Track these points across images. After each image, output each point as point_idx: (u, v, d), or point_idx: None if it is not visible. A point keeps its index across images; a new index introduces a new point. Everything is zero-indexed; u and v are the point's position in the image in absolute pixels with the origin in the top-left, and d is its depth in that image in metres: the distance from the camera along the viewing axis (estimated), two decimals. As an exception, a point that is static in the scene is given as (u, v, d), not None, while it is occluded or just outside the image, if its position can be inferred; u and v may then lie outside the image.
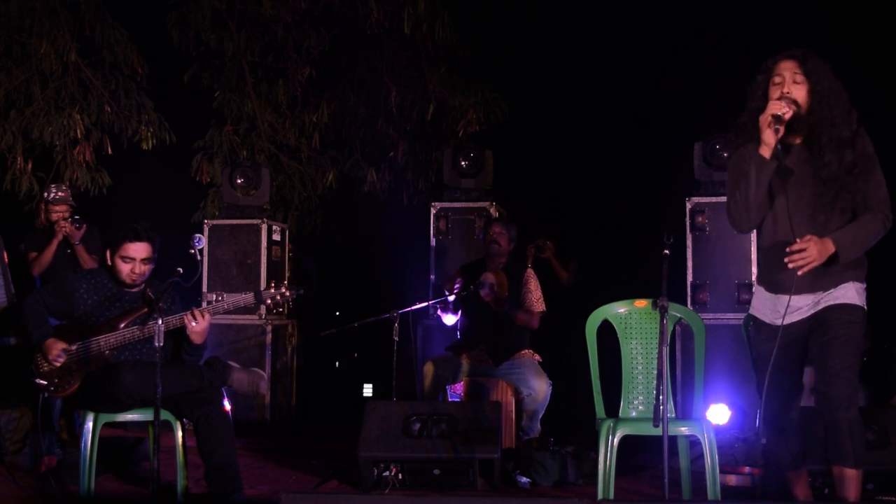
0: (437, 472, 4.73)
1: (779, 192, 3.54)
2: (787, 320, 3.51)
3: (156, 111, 8.89)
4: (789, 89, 3.48)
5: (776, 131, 3.42)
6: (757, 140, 3.47)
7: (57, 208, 6.37)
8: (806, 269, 3.40)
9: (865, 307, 3.54)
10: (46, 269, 6.27)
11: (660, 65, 8.48)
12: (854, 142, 3.46)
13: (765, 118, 3.43)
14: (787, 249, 3.43)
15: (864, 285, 3.56)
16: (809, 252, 3.39)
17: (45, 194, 6.51)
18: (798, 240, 3.42)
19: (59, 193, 6.44)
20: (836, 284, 3.50)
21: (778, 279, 3.57)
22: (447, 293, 5.87)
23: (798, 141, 3.56)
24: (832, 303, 3.49)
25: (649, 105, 8.45)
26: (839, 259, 3.43)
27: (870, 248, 3.53)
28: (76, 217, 6.26)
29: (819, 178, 3.48)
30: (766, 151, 3.44)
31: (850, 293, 3.50)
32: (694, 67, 7.76)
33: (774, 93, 3.50)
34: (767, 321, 3.64)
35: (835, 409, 3.39)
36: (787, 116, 3.43)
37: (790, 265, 3.41)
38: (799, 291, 3.51)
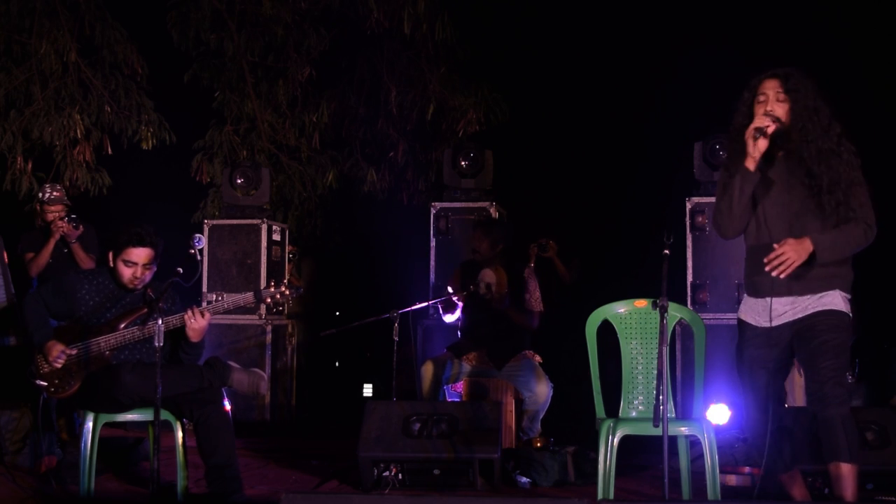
0: (437, 472, 4.73)
1: (761, 201, 3.69)
2: (776, 323, 3.64)
3: (156, 111, 8.88)
4: (772, 107, 3.64)
5: (759, 143, 3.57)
6: (743, 153, 3.63)
7: (52, 208, 6.35)
8: (787, 271, 3.52)
9: (851, 315, 3.64)
10: (44, 268, 6.26)
11: (660, 65, 8.47)
12: (830, 158, 3.58)
13: (749, 132, 3.59)
14: (766, 259, 3.54)
15: (850, 296, 3.67)
16: (787, 253, 3.50)
17: (40, 195, 6.49)
18: (776, 245, 3.53)
19: (54, 193, 6.42)
20: (821, 290, 3.60)
21: (757, 282, 3.70)
22: (451, 293, 5.86)
23: (780, 154, 3.70)
24: (820, 308, 3.59)
25: (649, 105, 8.45)
26: (816, 259, 3.53)
27: (848, 255, 3.63)
28: (73, 216, 6.25)
29: (801, 188, 3.61)
30: (750, 163, 3.60)
31: (837, 300, 3.60)
32: (694, 67, 7.76)
33: (759, 110, 3.66)
34: (753, 323, 3.74)
35: (827, 405, 3.46)
36: (770, 130, 3.59)
37: (772, 273, 3.53)
38: (779, 293, 3.62)
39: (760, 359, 3.70)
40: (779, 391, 3.76)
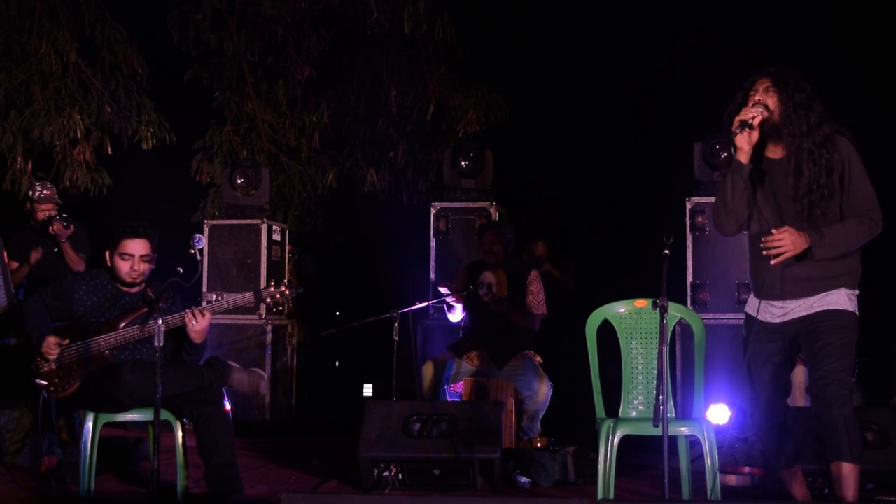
0: (437, 472, 4.73)
1: (760, 199, 3.69)
2: (781, 320, 3.65)
3: (156, 111, 8.88)
4: (761, 97, 3.64)
5: (746, 135, 3.57)
6: (734, 150, 3.63)
7: (43, 206, 6.26)
8: (780, 258, 3.53)
9: (857, 312, 3.62)
10: (32, 269, 6.18)
11: (660, 65, 8.48)
12: (831, 149, 3.57)
13: (735, 124, 3.60)
14: (763, 239, 3.56)
15: (856, 292, 3.65)
16: (783, 240, 3.51)
17: (31, 193, 6.40)
18: (774, 231, 3.54)
19: (45, 192, 6.34)
20: (827, 289, 3.59)
21: (759, 279, 3.71)
22: (445, 294, 5.86)
23: (780, 153, 3.69)
24: (825, 308, 3.58)
25: (649, 105, 8.45)
26: (813, 254, 3.53)
27: (851, 250, 3.61)
28: (64, 216, 6.16)
29: (797, 185, 3.59)
30: (739, 155, 3.60)
31: (842, 299, 3.59)
32: (694, 67, 7.77)
33: (748, 104, 3.67)
34: (758, 318, 3.74)
35: (830, 405, 3.45)
36: (756, 121, 3.58)
37: (764, 252, 3.55)
38: (785, 297, 3.63)
39: (766, 353, 3.69)
40: (785, 386, 3.75)
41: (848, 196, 3.57)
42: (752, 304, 3.79)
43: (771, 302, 3.67)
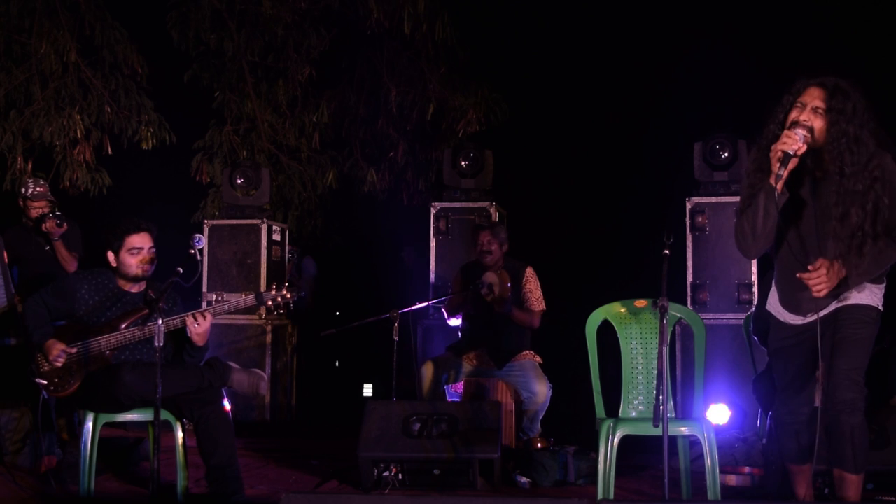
0: (437, 472, 4.73)
1: (789, 220, 3.50)
2: (807, 320, 3.54)
3: (156, 111, 8.88)
4: (807, 117, 3.38)
5: (785, 166, 3.33)
6: (769, 167, 3.39)
7: (36, 204, 6.14)
8: (823, 293, 3.39)
9: (881, 307, 3.52)
10: (25, 266, 6.11)
11: (660, 65, 8.48)
12: (867, 195, 3.35)
13: (775, 151, 3.36)
14: (799, 276, 3.41)
15: (882, 285, 3.54)
16: (821, 277, 3.37)
17: (23, 190, 6.26)
18: (810, 267, 3.40)
19: (38, 189, 6.20)
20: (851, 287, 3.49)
21: (793, 300, 3.57)
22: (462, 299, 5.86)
23: (820, 175, 3.48)
24: (846, 303, 3.50)
25: (649, 105, 8.46)
26: (849, 283, 3.42)
27: (882, 273, 3.50)
28: (57, 213, 6.05)
29: (842, 226, 3.41)
30: (775, 181, 3.36)
31: (865, 293, 3.49)
32: (693, 67, 7.77)
33: (792, 116, 3.41)
34: (783, 319, 3.65)
35: (838, 412, 3.40)
36: (800, 153, 3.35)
37: (811, 289, 3.39)
38: (820, 308, 3.49)
39: (789, 350, 3.61)
40: (807, 382, 3.65)
41: (885, 214, 3.38)
42: (773, 303, 3.69)
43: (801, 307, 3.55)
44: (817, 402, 3.69)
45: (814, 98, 3.40)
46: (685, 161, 6.69)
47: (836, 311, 3.50)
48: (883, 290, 3.55)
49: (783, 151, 3.32)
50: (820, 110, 3.38)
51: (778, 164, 3.33)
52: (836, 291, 3.47)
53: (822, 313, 3.49)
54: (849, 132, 3.34)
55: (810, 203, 3.49)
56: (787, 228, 3.51)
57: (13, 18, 8.39)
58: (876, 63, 7.61)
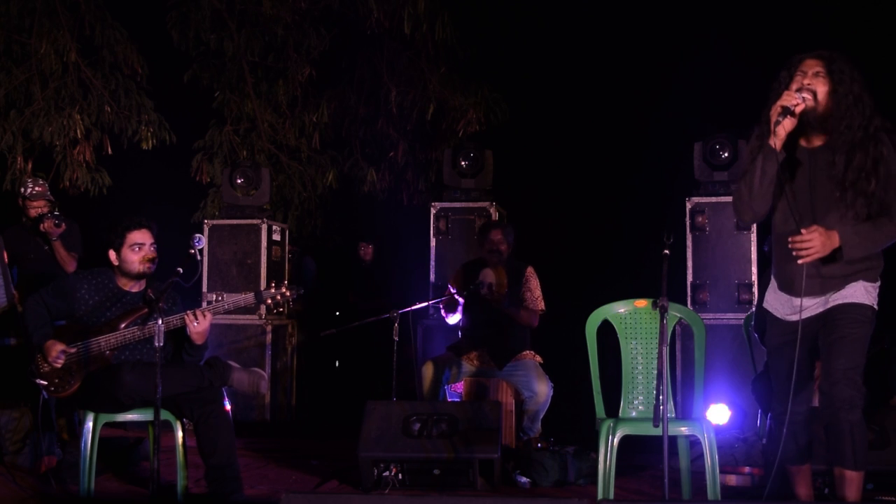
0: (437, 472, 4.73)
1: (787, 186, 3.53)
2: (803, 316, 3.52)
3: (156, 111, 8.88)
4: (810, 81, 3.45)
5: (784, 122, 3.39)
6: (769, 133, 3.44)
7: (34, 203, 6.11)
8: (809, 258, 3.41)
9: (875, 306, 3.53)
10: (24, 266, 6.11)
11: (660, 65, 8.48)
12: (868, 147, 3.42)
13: (775, 108, 3.42)
14: (790, 239, 3.44)
15: (877, 283, 3.55)
16: (813, 241, 3.39)
17: (22, 189, 6.23)
18: (803, 230, 3.42)
19: (37, 188, 6.17)
20: (846, 284, 3.50)
21: (787, 277, 3.59)
22: (454, 292, 5.85)
23: (818, 142, 3.55)
24: (840, 301, 3.50)
25: (649, 105, 8.46)
26: (843, 254, 3.42)
27: (880, 249, 3.52)
28: (56, 213, 6.02)
29: (828, 180, 3.47)
30: (773, 141, 3.42)
31: (859, 292, 3.50)
32: (693, 68, 7.77)
33: (794, 85, 3.48)
34: (779, 316, 3.66)
35: (837, 409, 3.40)
36: (798, 109, 3.41)
37: (794, 253, 3.42)
38: (809, 294, 3.51)
39: (785, 348, 3.59)
40: (803, 381, 3.62)
41: (883, 192, 3.42)
42: (771, 301, 3.70)
43: (793, 299, 3.55)
44: (815, 403, 3.69)
45: (813, 66, 3.49)
46: (685, 161, 6.69)
47: (831, 309, 3.51)
48: (877, 290, 3.55)
49: (782, 106, 3.39)
50: (821, 74, 3.46)
51: (778, 120, 3.39)
52: (829, 274, 3.47)
53: (815, 312, 3.51)
54: (853, 90, 3.43)
55: (807, 168, 3.53)
56: (783, 194, 3.54)
57: (13, 18, 8.39)
58: (876, 63, 7.61)
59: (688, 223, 6.49)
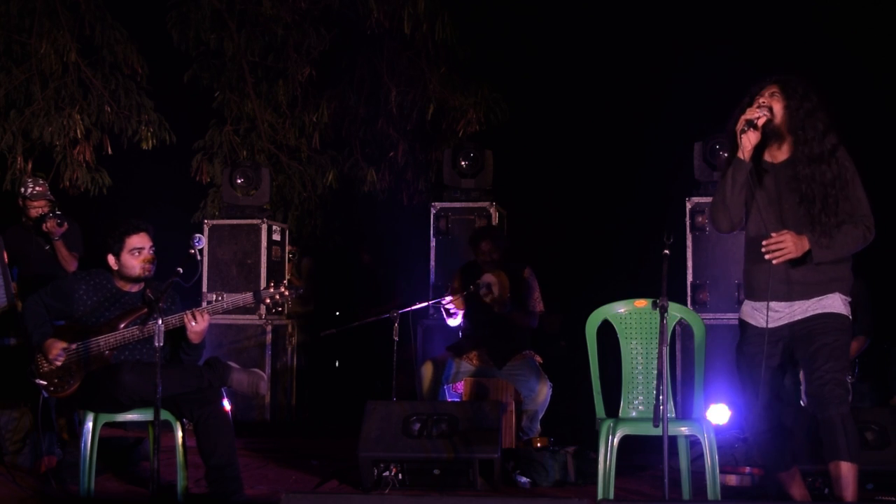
0: (437, 472, 4.73)
1: (757, 196, 3.74)
2: (776, 324, 3.68)
3: (156, 111, 8.87)
4: (766, 100, 3.71)
5: (749, 135, 3.64)
6: (737, 149, 3.70)
7: (35, 203, 6.09)
8: (782, 258, 3.57)
9: (851, 317, 3.70)
10: (25, 266, 6.10)
11: (660, 65, 8.48)
12: (830, 160, 3.63)
13: (740, 122, 3.67)
14: (764, 242, 3.60)
15: (849, 298, 3.71)
16: (785, 242, 3.56)
17: (22, 189, 6.21)
18: (773, 234, 3.60)
19: (37, 188, 6.15)
20: (819, 293, 3.65)
21: (754, 282, 3.76)
22: (447, 302, 5.85)
23: (782, 156, 3.76)
24: (819, 311, 3.64)
25: (649, 105, 8.46)
26: (812, 257, 3.58)
27: (846, 255, 3.67)
28: (58, 213, 6.01)
29: (792, 193, 3.66)
30: (741, 153, 3.67)
31: (837, 303, 3.65)
32: (694, 68, 7.76)
33: (755, 105, 3.72)
34: (752, 322, 3.78)
35: (826, 405, 3.49)
36: (761, 122, 3.65)
37: (766, 255, 3.58)
38: (776, 298, 3.67)
39: (758, 357, 3.71)
40: (778, 389, 3.79)
41: (845, 203, 3.63)
42: (745, 310, 3.84)
43: (764, 305, 3.69)
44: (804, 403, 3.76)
45: (769, 89, 3.76)
46: (685, 161, 6.69)
47: (810, 318, 3.64)
48: (850, 301, 3.72)
49: (746, 119, 3.65)
50: (777, 94, 3.73)
51: (741, 136, 3.64)
52: (797, 280, 3.63)
53: (792, 319, 3.65)
54: (805, 106, 3.69)
55: (773, 182, 3.74)
56: (754, 204, 3.75)
57: (13, 18, 8.38)
58: (875, 63, 7.61)
59: (688, 223, 6.49)
